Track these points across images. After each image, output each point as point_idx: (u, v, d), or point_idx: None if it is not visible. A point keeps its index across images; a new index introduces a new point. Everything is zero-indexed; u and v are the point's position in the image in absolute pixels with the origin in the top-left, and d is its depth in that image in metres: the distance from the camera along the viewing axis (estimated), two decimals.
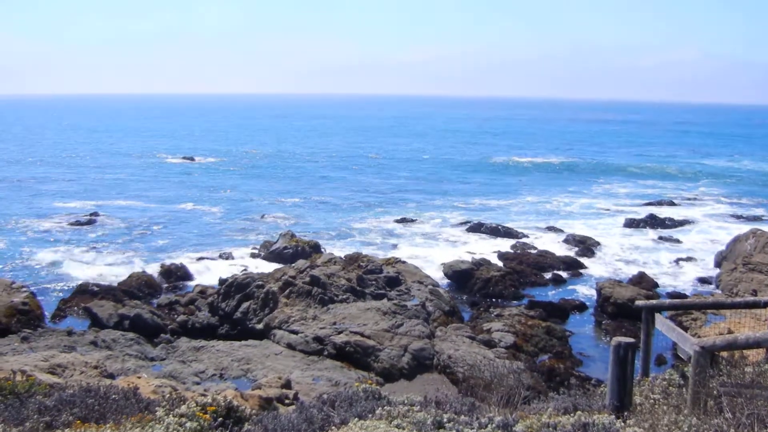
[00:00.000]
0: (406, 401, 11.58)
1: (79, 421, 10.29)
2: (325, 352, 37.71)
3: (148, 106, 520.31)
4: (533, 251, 62.20)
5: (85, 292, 49.49)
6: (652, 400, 11.56)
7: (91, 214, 78.00)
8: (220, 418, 10.52)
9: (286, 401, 25.49)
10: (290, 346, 38.76)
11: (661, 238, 68.12)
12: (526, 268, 56.37)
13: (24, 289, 46.87)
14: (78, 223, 74.49)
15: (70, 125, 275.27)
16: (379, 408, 10.91)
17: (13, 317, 42.64)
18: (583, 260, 59.94)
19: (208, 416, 10.22)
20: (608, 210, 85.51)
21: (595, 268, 58.54)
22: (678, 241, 67.29)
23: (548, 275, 55.82)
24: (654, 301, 17.63)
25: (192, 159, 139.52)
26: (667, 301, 36.49)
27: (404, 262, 51.40)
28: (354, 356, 37.06)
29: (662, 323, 14.54)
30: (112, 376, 29.34)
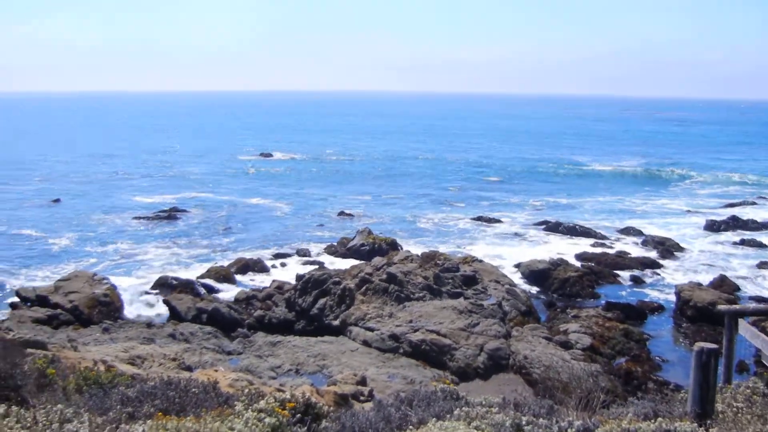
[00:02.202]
0: (484, 402, 11.48)
1: (160, 413, 10.41)
2: (401, 350, 37.66)
3: (224, 104, 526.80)
4: (611, 251, 61.39)
5: (164, 285, 50.24)
6: (735, 409, 11.26)
7: (170, 209, 79.18)
8: (299, 415, 10.54)
9: (361, 398, 25.52)
10: (366, 343, 38.84)
11: (743, 240, 66.39)
12: (603, 269, 55.65)
13: (105, 281, 47.80)
14: (158, 217, 75.69)
15: (151, 122, 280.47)
16: (458, 408, 10.83)
17: (94, 308, 43.54)
18: (662, 262, 58.94)
19: (286, 412, 10.24)
20: (688, 211, 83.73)
21: (674, 270, 57.46)
22: (762, 244, 65.55)
23: (626, 276, 55.00)
24: (737, 306, 17.27)
25: (270, 155, 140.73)
26: (752, 305, 35.71)
27: (481, 261, 51.07)
28: (429, 355, 36.95)
29: (746, 329, 14.20)
30: (189, 369, 29.68)
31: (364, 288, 43.81)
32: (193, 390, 12.25)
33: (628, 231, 69.92)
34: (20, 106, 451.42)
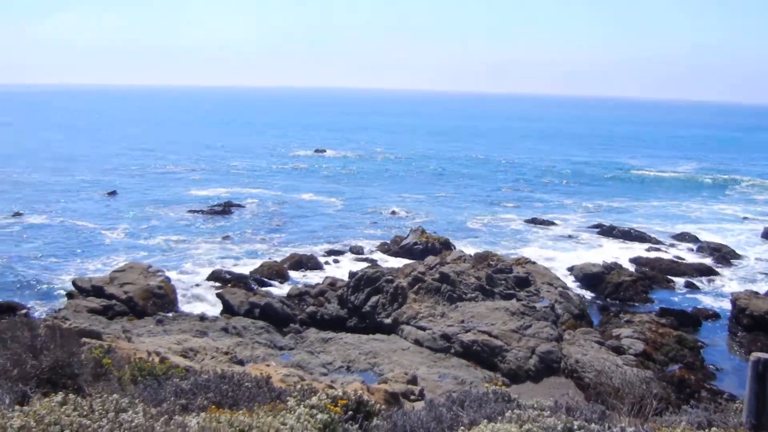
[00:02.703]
0: (536, 405, 11.41)
1: (213, 406, 10.51)
2: (452, 350, 37.59)
3: (278, 100, 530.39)
4: (666, 257, 60.72)
5: (217, 278, 50.72)
6: None
7: (225, 203, 79.84)
8: (350, 412, 10.57)
9: (412, 397, 25.52)
10: (417, 342, 38.82)
11: None
12: (657, 274, 55.09)
13: (159, 273, 48.37)
14: (212, 211, 76.37)
15: (206, 117, 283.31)
16: (509, 411, 10.77)
17: (149, 300, 44.07)
18: (718, 269, 58.13)
19: (338, 409, 10.28)
20: (745, 218, 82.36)
21: (730, 278, 56.63)
22: None
23: (681, 282, 54.37)
24: None
25: (323, 152, 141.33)
26: None
27: (534, 263, 50.80)
28: (481, 355, 36.84)
29: None
30: (241, 363, 29.86)
31: (416, 287, 43.80)
32: (246, 384, 12.35)
33: (682, 236, 68.98)
34: (68, 99, 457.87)
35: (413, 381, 29.72)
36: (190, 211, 76.65)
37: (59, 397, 9.05)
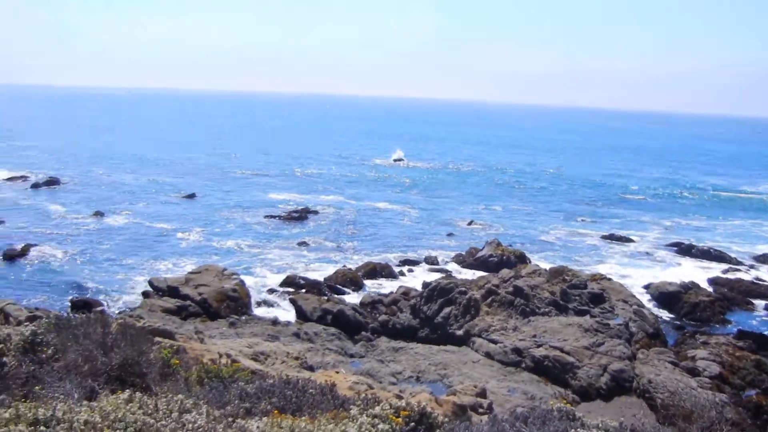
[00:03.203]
0: (600, 425, 11.25)
1: (276, 411, 10.57)
2: (523, 365, 37.30)
3: (361, 109, 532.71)
4: (746, 278, 59.41)
5: (292, 283, 51.10)
6: None
7: (302, 209, 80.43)
8: (412, 423, 10.54)
9: (480, 410, 25.39)
10: (488, 355, 38.61)
11: None
12: (737, 296, 53.92)
13: (234, 276, 48.89)
14: (289, 217, 76.93)
15: (290, 124, 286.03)
16: (573, 430, 10.65)
17: (222, 302, 44.59)
18: None
19: (400, 420, 10.25)
20: None
21: None
22: None
23: (761, 305, 53.10)
24: None
25: (401, 161, 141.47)
26: None
27: (609, 279, 50.15)
28: (552, 371, 36.47)
29: None
30: (311, 369, 30.03)
31: (489, 299, 43.59)
32: (311, 391, 12.41)
33: (764, 258, 67.37)
34: (153, 102, 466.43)
35: (482, 394, 29.56)
36: (266, 216, 77.44)
37: (126, 394, 9.20)
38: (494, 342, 39.50)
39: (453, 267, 59.29)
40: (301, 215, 77.87)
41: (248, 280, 50.88)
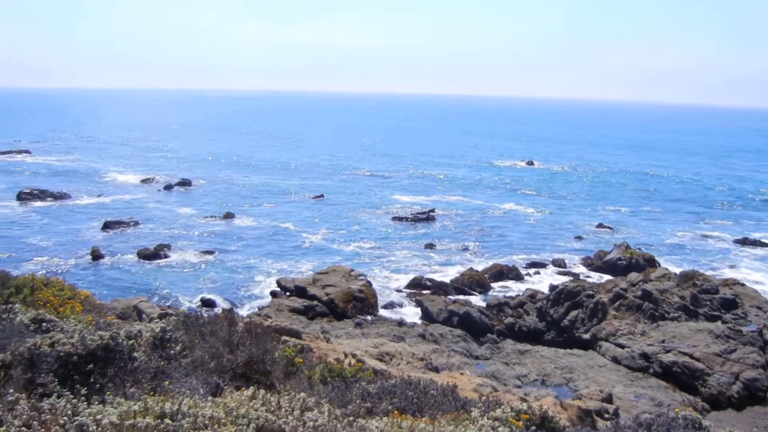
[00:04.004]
0: None
1: (396, 411, 10.70)
2: (651, 370, 36.59)
3: (485, 109, 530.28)
4: None
5: (418, 285, 51.34)
6: None
7: (428, 211, 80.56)
8: (533, 427, 10.53)
9: (605, 416, 25.07)
10: (615, 360, 38.03)
11: None
12: None
13: (361, 277, 49.42)
14: (416, 219, 77.19)
15: (417, 125, 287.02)
16: None
17: (349, 303, 45.14)
18: None
19: (521, 423, 10.26)
20: None
21: None
22: None
23: None
24: None
25: (531, 163, 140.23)
26: None
27: (743, 285, 48.63)
28: (680, 378, 35.65)
29: None
30: (436, 370, 30.08)
31: (617, 303, 42.92)
32: (432, 392, 12.50)
33: None
34: (279, 104, 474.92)
35: (608, 399, 29.18)
36: (394, 218, 77.98)
37: (250, 391, 9.48)
38: (621, 346, 38.88)
39: (580, 270, 58.59)
40: (428, 217, 78.07)
41: (374, 281, 51.36)
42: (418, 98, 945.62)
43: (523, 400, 19.30)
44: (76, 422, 7.58)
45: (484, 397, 13.67)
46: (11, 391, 8.60)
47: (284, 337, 20.55)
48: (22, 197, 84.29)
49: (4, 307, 14.27)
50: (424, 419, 10.09)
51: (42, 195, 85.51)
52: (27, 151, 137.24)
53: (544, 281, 54.26)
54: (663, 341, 38.57)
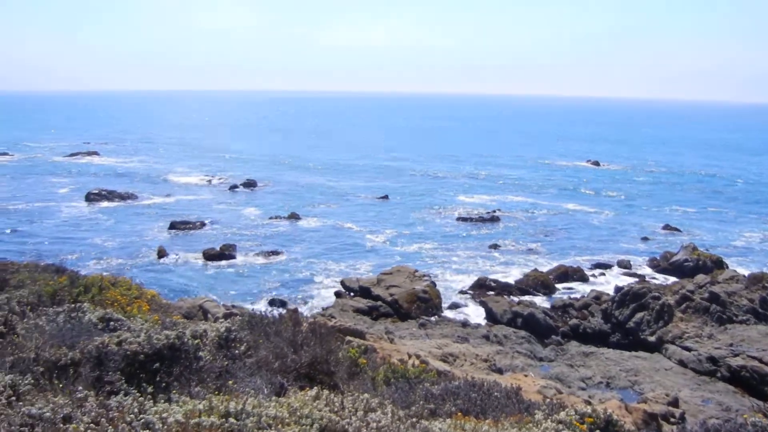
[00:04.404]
0: None
1: (460, 413, 10.71)
2: (718, 374, 36.04)
3: (549, 109, 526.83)
4: None
5: (482, 286, 51.19)
6: None
7: (493, 212, 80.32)
8: (597, 431, 10.46)
9: (671, 420, 24.79)
10: (681, 363, 37.54)
11: None
12: None
13: (426, 277, 49.43)
14: (480, 219, 77.02)
15: (480, 125, 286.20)
16: None
17: (413, 303, 45.17)
18: None
19: (585, 427, 10.20)
20: None
21: None
22: None
23: None
24: None
25: (597, 164, 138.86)
26: None
27: None
28: (749, 382, 35.06)
29: None
30: (500, 371, 30.01)
31: (684, 305, 42.41)
32: (496, 394, 12.50)
33: None
34: (339, 105, 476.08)
35: (674, 403, 28.84)
36: (458, 219, 77.84)
37: (313, 391, 9.58)
38: (688, 349, 38.37)
39: (646, 271, 57.93)
40: (492, 217, 77.80)
41: (438, 282, 51.32)
42: (461, 98, 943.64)
43: (588, 402, 19.15)
44: (143, 420, 7.73)
45: (548, 400, 13.65)
46: (80, 388, 8.81)
47: (348, 338, 20.67)
48: (91, 198, 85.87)
49: (73, 306, 14.58)
50: (487, 421, 10.09)
51: (110, 195, 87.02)
52: (96, 153, 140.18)
53: (609, 282, 53.75)
54: (731, 345, 38.00)
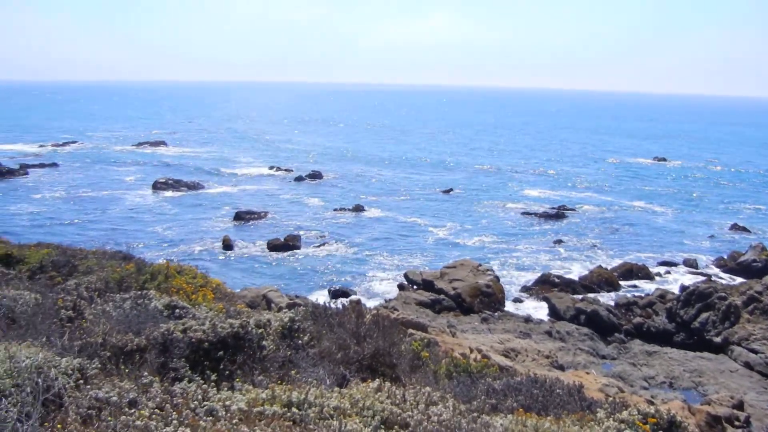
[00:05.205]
0: None
1: (521, 409, 10.64)
2: None
3: (635, 105, 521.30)
4: None
5: (546, 282, 50.89)
6: None
7: (558, 207, 79.85)
8: (660, 431, 10.35)
9: (736, 423, 24.42)
10: (748, 365, 36.93)
11: None
12: None
13: (489, 272, 49.30)
14: (546, 214, 76.63)
15: (556, 121, 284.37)
16: None
17: (476, 297, 45.09)
18: None
19: (647, 427, 10.10)
20: None
21: None
22: None
23: None
24: None
25: (663, 160, 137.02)
26: None
27: None
28: None
29: None
30: (561, 368, 29.83)
31: (751, 306, 41.67)
32: (558, 391, 12.41)
33: None
34: (408, 100, 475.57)
35: (739, 406, 28.38)
36: (523, 213, 77.58)
37: (375, 383, 9.62)
38: (755, 352, 37.73)
39: (713, 271, 57.11)
40: (558, 213, 77.34)
41: (501, 276, 51.18)
42: (521, 92, 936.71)
43: (650, 402, 18.95)
44: (206, 407, 7.86)
45: (610, 398, 13.51)
46: (145, 373, 8.98)
47: (410, 330, 20.71)
48: (157, 186, 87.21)
49: (139, 293, 14.85)
50: (549, 418, 10.04)
51: (176, 185, 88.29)
52: (163, 143, 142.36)
53: (674, 281, 53.12)
54: None
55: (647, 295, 48.24)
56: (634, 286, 52.47)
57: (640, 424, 10.07)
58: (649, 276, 54.62)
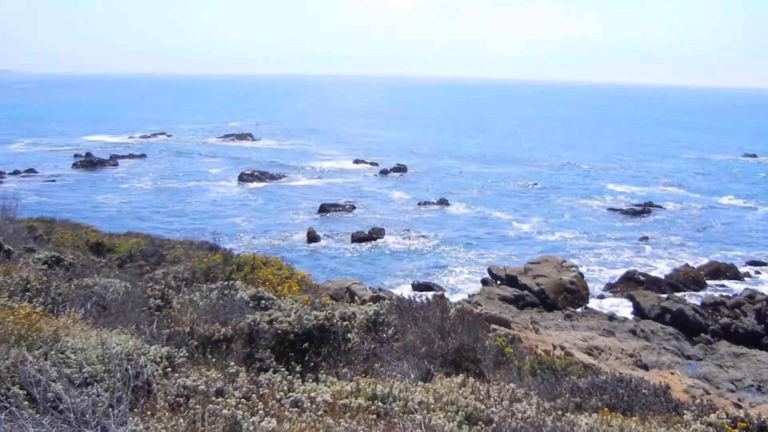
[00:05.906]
0: None
1: (606, 409, 10.51)
2: None
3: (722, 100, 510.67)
4: None
5: (631, 279, 50.20)
6: None
7: (645, 204, 78.69)
8: None
9: None
10: None
11: None
12: None
13: (573, 268, 48.86)
14: (631, 211, 75.63)
15: (644, 116, 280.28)
16: None
17: (560, 294, 44.74)
18: None
19: (736, 431, 9.91)
20: None
21: None
22: None
23: None
24: None
25: (754, 156, 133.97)
26: None
27: None
28: None
29: None
30: (645, 368, 29.37)
31: None
32: (643, 391, 12.22)
33: None
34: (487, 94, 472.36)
35: None
36: (608, 209, 76.78)
37: (459, 378, 9.62)
38: None
39: None
40: (644, 210, 76.27)
41: (585, 273, 50.69)
42: (597, 87, 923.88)
43: (738, 406, 18.59)
44: (292, 398, 7.93)
45: (696, 400, 13.27)
46: (232, 363, 9.11)
47: (493, 326, 20.61)
48: (243, 178, 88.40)
49: (226, 283, 15.06)
50: (634, 419, 9.90)
51: (261, 176, 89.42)
52: (249, 135, 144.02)
53: (764, 282, 52.00)
54: None
55: (735, 295, 47.22)
56: (722, 286, 51.45)
57: (729, 428, 9.87)
58: (737, 275, 53.50)
